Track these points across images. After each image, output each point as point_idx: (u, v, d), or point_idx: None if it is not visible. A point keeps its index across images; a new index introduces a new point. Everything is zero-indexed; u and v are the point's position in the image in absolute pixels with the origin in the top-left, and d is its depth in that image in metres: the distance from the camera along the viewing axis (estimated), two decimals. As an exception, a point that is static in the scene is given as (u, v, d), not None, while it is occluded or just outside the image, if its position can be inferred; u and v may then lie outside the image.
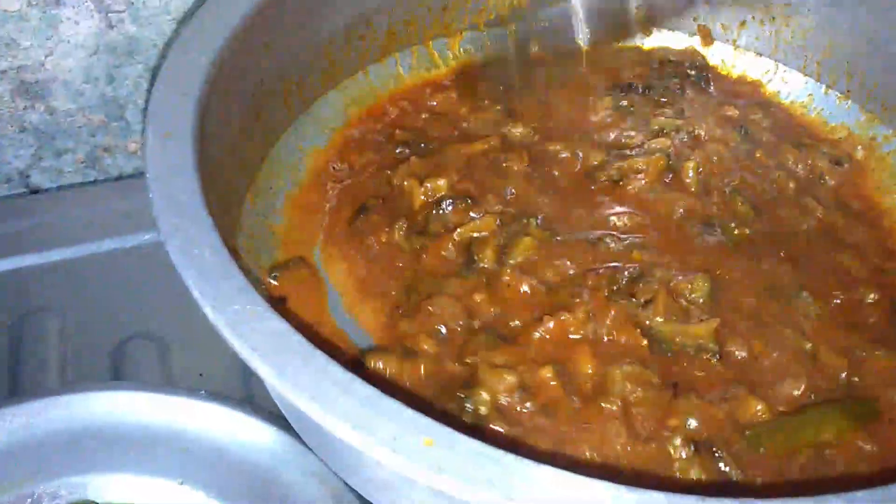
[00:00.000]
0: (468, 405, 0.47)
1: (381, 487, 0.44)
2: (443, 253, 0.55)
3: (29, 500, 0.52)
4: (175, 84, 0.49)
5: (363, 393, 0.38)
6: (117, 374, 0.61)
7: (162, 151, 0.46)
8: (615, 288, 0.53)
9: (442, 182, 0.58)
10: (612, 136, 0.63)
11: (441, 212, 0.57)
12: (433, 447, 0.36)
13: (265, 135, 0.59)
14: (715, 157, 0.62)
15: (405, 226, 0.56)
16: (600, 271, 0.54)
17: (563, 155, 0.62)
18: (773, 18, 0.68)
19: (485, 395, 0.48)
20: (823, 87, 0.67)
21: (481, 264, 0.54)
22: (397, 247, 0.56)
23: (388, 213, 0.57)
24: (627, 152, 0.61)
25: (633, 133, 0.63)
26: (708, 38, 0.70)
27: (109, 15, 0.68)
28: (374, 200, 0.58)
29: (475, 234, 0.56)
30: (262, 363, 0.38)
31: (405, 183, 0.58)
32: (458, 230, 0.55)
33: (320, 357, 0.39)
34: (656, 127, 0.63)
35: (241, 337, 0.39)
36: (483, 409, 0.47)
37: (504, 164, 0.60)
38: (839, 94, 0.66)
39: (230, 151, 0.53)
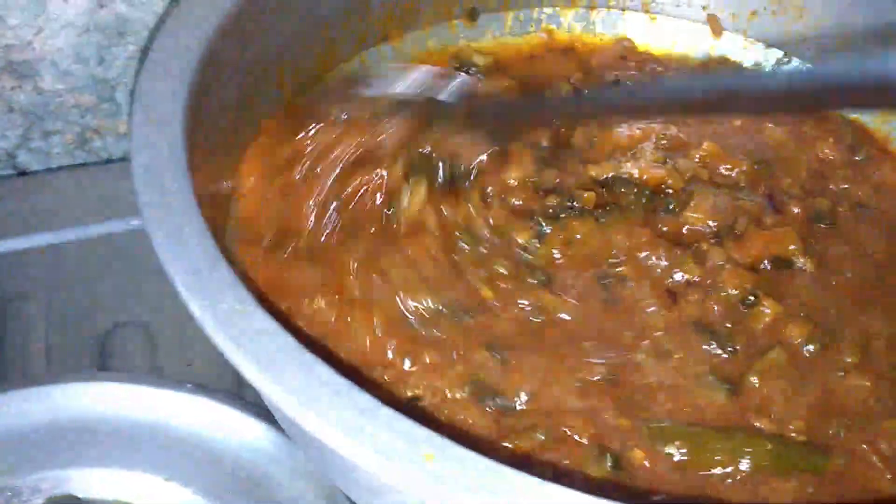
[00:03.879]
0: None
1: (374, 494, 0.42)
2: None
3: (9, 492, 0.51)
4: (164, 67, 0.47)
5: (358, 400, 0.36)
6: (103, 363, 0.59)
7: (149, 138, 0.44)
8: None
9: None
10: None
11: None
12: (431, 460, 0.34)
13: (258, 120, 0.56)
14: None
15: None
16: None
17: None
18: (786, 9, 0.66)
19: None
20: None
21: None
22: None
23: None
24: None
25: None
26: (717, 27, 0.68)
27: (100, -7, 0.66)
28: None
29: None
30: (252, 366, 0.36)
31: None
32: None
33: (312, 360, 0.37)
34: None
35: (229, 337, 0.37)
36: None
37: None
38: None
39: (221, 138, 0.51)
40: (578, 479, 0.43)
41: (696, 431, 0.46)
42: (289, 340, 0.37)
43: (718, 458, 0.45)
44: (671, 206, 0.56)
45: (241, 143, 0.55)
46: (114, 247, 0.65)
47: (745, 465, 0.45)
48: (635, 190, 0.56)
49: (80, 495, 0.51)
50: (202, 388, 0.54)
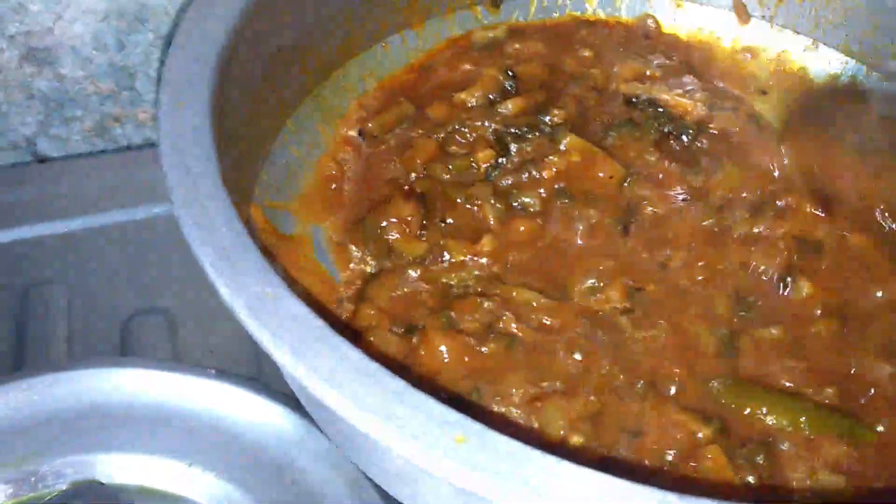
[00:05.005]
0: None
1: (402, 481, 0.42)
2: None
3: (33, 478, 0.51)
4: (190, 51, 0.47)
5: (389, 384, 0.36)
6: (125, 350, 0.59)
7: (176, 120, 0.44)
8: None
9: None
10: None
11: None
12: (464, 444, 0.34)
13: (281, 105, 0.56)
14: None
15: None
16: None
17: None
18: (814, -6, 0.65)
19: None
20: (865, 68, 0.65)
21: None
22: None
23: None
24: None
25: None
26: (744, 14, 0.67)
27: (120, -20, 0.66)
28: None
29: None
30: (284, 351, 0.36)
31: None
32: None
33: (343, 344, 0.37)
34: None
35: (260, 322, 0.37)
36: None
37: None
38: (881, 76, 0.64)
39: (246, 122, 0.51)
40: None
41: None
42: (319, 324, 0.37)
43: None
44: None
45: (266, 128, 0.55)
46: (133, 234, 0.65)
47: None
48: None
49: (103, 480, 0.51)
50: (224, 373, 0.54)
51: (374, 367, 0.36)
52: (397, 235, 0.53)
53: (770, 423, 0.47)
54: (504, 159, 0.57)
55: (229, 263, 0.39)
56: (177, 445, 0.52)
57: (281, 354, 0.36)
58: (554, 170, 0.56)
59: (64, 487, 0.51)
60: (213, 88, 0.46)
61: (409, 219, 0.53)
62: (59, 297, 0.61)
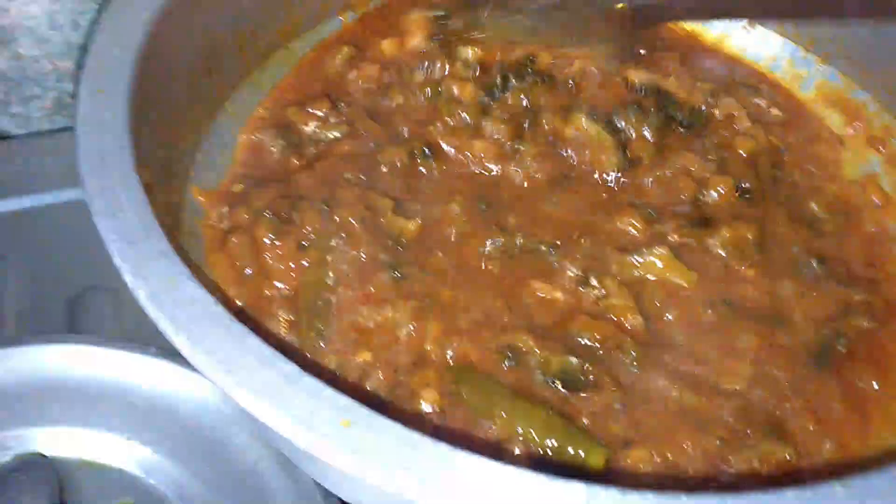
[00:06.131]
0: None
1: (308, 459, 0.43)
2: None
3: (-23, 450, 0.53)
4: (113, 38, 0.48)
5: (283, 368, 0.37)
6: (73, 326, 0.61)
7: (94, 108, 0.45)
8: None
9: None
10: None
11: None
12: (350, 428, 0.35)
13: (218, 90, 0.57)
14: None
15: None
16: None
17: None
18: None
19: None
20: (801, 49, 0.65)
21: None
22: None
23: None
24: None
25: None
26: None
27: (72, -41, 0.66)
28: None
29: None
30: (182, 337, 0.38)
31: None
32: None
33: (239, 329, 0.38)
34: None
35: (160, 308, 0.38)
36: None
37: None
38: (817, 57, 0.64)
39: (177, 108, 0.52)
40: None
41: None
42: (218, 310, 0.39)
43: None
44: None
45: (204, 110, 0.56)
46: (89, 211, 0.66)
47: None
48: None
49: (46, 453, 0.53)
50: (167, 351, 0.55)
51: (270, 352, 0.38)
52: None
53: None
54: None
55: (136, 250, 0.40)
56: (117, 420, 0.54)
57: (179, 340, 0.38)
58: None
59: (8, 459, 0.53)
60: (134, 76, 0.47)
61: None
62: (12, 273, 0.63)
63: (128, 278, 0.39)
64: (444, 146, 0.57)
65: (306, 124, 0.57)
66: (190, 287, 0.39)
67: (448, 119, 0.57)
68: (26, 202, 0.67)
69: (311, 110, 0.58)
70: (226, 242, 0.51)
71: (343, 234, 0.51)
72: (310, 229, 0.51)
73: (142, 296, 0.39)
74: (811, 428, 0.47)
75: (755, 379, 0.48)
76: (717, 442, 0.45)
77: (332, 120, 0.57)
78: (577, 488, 0.34)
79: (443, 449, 0.35)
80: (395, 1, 0.65)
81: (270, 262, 0.50)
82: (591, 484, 0.34)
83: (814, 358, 0.50)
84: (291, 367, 0.37)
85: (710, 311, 0.51)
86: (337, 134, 0.57)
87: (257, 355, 0.37)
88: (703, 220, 0.55)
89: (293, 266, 0.50)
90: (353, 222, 0.51)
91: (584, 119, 0.57)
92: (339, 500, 0.50)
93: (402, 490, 0.34)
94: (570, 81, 0.60)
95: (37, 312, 0.61)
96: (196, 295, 0.39)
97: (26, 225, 0.66)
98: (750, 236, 0.54)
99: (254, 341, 0.38)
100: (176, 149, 0.52)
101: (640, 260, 0.52)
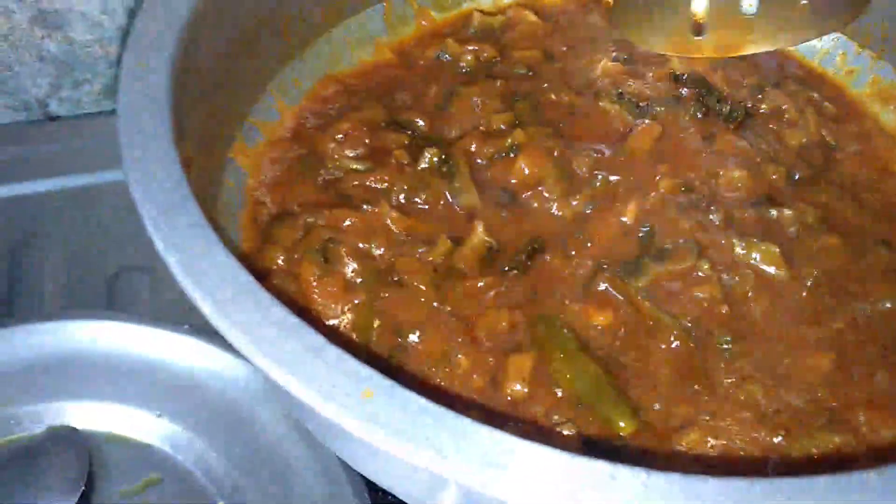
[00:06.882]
0: None
1: (328, 430, 0.43)
2: None
3: (12, 421, 0.53)
4: (159, 12, 0.48)
5: (308, 339, 0.37)
6: (110, 304, 0.61)
7: (137, 83, 0.45)
8: None
9: None
10: None
11: None
12: (372, 399, 0.35)
13: (261, 70, 0.57)
14: None
15: None
16: None
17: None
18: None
19: None
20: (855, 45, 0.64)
21: None
22: None
23: None
24: None
25: None
26: None
27: (127, -55, 0.67)
28: None
29: None
30: (207, 304, 0.38)
31: None
32: None
33: (267, 299, 0.38)
34: None
35: (189, 275, 0.38)
36: None
37: None
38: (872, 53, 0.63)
39: (220, 85, 0.53)
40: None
41: None
42: (247, 279, 0.38)
43: None
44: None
45: (246, 89, 0.56)
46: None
47: None
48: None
49: (77, 426, 0.53)
50: (199, 329, 0.56)
51: (295, 321, 0.37)
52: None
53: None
54: None
55: (169, 219, 0.40)
56: (148, 396, 0.54)
57: (205, 307, 0.38)
58: None
59: (41, 430, 0.53)
60: (178, 50, 0.47)
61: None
62: (54, 251, 0.64)
63: (159, 245, 0.39)
64: None
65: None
66: (220, 256, 0.39)
67: None
68: (69, 182, 0.68)
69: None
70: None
71: None
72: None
73: (172, 262, 0.39)
74: (872, 417, 0.46)
75: (832, 371, 0.48)
76: (778, 436, 0.45)
77: None
78: (600, 467, 0.33)
79: (465, 422, 0.34)
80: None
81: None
82: (616, 465, 0.33)
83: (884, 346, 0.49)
84: (316, 338, 0.37)
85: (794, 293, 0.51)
86: None
87: (282, 325, 0.37)
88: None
89: None
90: None
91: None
92: (363, 477, 0.50)
93: (422, 462, 0.33)
94: None
95: (75, 290, 0.62)
96: (226, 264, 0.39)
97: (69, 204, 0.67)
98: (812, 219, 0.54)
99: (280, 311, 0.38)
100: (217, 124, 0.52)
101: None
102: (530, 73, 0.62)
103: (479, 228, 0.52)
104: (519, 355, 0.47)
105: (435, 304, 0.49)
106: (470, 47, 0.63)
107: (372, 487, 0.51)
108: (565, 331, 0.48)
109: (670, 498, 0.32)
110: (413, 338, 0.48)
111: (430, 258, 0.51)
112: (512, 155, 0.56)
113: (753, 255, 0.51)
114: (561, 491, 0.33)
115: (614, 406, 0.45)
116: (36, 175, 0.68)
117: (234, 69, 0.54)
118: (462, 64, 0.62)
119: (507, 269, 0.51)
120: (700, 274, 0.50)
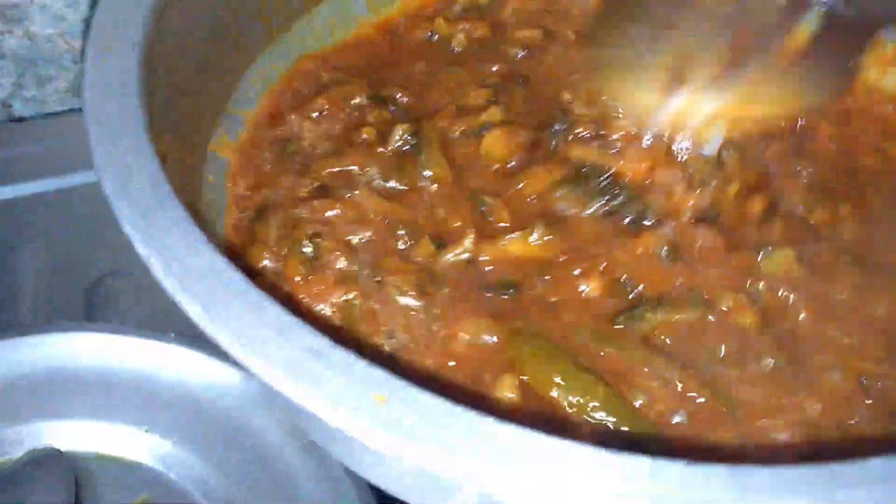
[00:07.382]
0: None
1: (333, 439, 0.40)
2: None
3: (-10, 445, 0.50)
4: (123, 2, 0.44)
5: (309, 340, 0.33)
6: (90, 313, 0.58)
7: (102, 73, 0.41)
8: None
9: None
10: None
11: None
12: (384, 403, 0.32)
13: (240, 56, 0.54)
14: None
15: None
16: None
17: None
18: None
19: None
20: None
21: None
22: None
23: None
24: None
25: None
26: None
27: (87, -68, 0.64)
28: None
29: None
30: (196, 308, 0.34)
31: None
32: None
33: (261, 298, 0.34)
34: None
35: (171, 274, 0.35)
36: None
37: None
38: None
39: (195, 71, 0.49)
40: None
41: None
42: (237, 278, 0.35)
43: None
44: None
45: (224, 77, 0.53)
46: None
47: None
48: None
49: (60, 447, 0.50)
50: (185, 338, 0.52)
51: (293, 321, 0.34)
52: None
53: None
54: None
55: (148, 219, 0.37)
56: (135, 412, 0.51)
57: (192, 310, 0.34)
58: None
59: (20, 455, 0.50)
60: (146, 35, 0.43)
61: None
62: (28, 258, 0.60)
63: (138, 246, 0.36)
64: None
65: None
66: (206, 254, 0.35)
67: None
68: (41, 186, 0.64)
69: None
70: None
71: None
72: None
73: (153, 263, 0.35)
74: None
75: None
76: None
77: None
78: (641, 463, 0.30)
79: (487, 422, 0.31)
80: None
81: None
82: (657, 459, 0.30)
83: None
84: (317, 339, 0.33)
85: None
86: None
87: (279, 326, 0.34)
88: None
89: None
90: None
91: None
92: (370, 485, 0.47)
93: (444, 471, 0.30)
94: None
95: (53, 300, 0.59)
96: (213, 262, 0.35)
97: (41, 210, 0.63)
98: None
99: (275, 311, 0.34)
100: (196, 116, 0.49)
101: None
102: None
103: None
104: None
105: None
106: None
107: (380, 494, 0.47)
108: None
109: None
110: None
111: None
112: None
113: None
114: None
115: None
116: (2, 181, 0.63)
117: (210, 55, 0.50)
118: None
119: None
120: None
